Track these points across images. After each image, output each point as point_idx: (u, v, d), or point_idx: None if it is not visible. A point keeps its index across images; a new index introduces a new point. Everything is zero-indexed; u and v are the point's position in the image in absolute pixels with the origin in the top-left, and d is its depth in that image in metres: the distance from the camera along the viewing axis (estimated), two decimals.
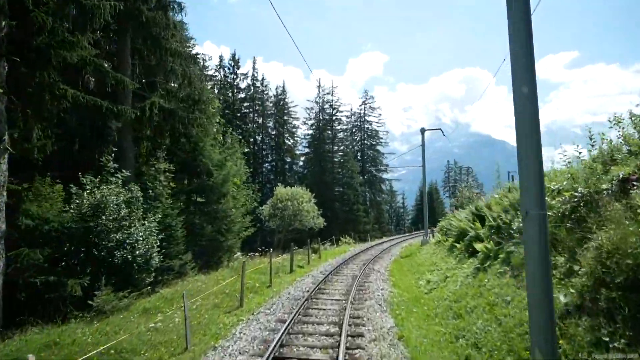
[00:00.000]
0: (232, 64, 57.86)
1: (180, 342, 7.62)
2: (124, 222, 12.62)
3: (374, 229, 59.62)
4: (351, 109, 67.93)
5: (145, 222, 13.41)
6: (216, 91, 57.31)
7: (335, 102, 61.66)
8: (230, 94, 57.67)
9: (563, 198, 6.94)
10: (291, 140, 61.91)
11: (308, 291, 12.11)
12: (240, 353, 7.08)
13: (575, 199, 6.63)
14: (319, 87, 61.82)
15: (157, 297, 11.65)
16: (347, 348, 7.11)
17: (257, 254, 21.39)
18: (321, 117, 61.38)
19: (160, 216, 14.39)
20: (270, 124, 61.10)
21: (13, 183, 10.60)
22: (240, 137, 57.43)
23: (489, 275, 9.30)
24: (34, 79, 10.79)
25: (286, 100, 62.72)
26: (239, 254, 17.46)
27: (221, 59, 58.33)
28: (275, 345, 7.00)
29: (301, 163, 62.16)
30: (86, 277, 10.89)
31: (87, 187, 12.29)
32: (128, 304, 11.33)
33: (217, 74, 57.15)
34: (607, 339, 4.32)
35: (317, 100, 61.45)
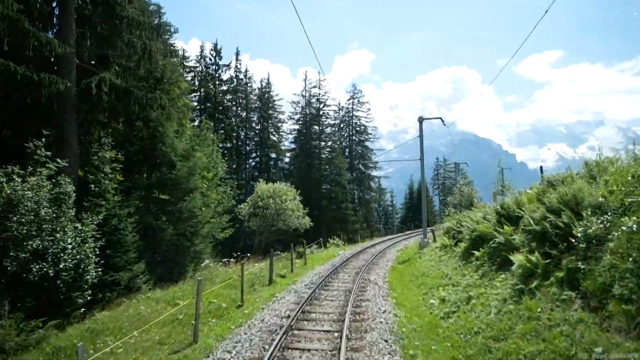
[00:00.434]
0: (214, 55, 54.53)
1: None
2: (45, 226, 9.56)
3: (363, 227, 57.13)
4: (339, 103, 65.31)
5: (80, 225, 10.37)
6: (197, 83, 54.12)
7: (323, 95, 58.80)
8: (211, 86, 54.36)
9: None
10: (276, 136, 58.86)
11: (288, 317, 9.23)
12: None
13: None
14: (305, 79, 58.95)
15: (79, 330, 8.59)
16: None
17: (233, 260, 18.41)
18: (308, 112, 58.50)
19: (102, 217, 11.36)
20: (255, 118, 57.94)
21: None
22: (222, 131, 54.65)
23: (543, 302, 6.58)
24: None
25: (271, 93, 59.65)
26: (207, 261, 14.50)
27: (202, 49, 54.91)
28: None
29: (287, 159, 59.31)
30: None
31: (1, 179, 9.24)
32: (43, 336, 8.30)
33: (198, 65, 53.92)
34: None
35: (304, 93, 58.53)
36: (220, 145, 55.25)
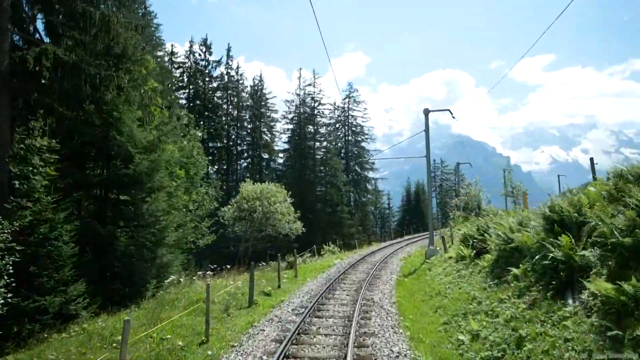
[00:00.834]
0: (204, 50, 51.82)
1: None
2: None
3: (359, 231, 54.62)
4: (334, 103, 62.74)
5: None
6: (185, 80, 51.37)
7: (318, 94, 56.26)
8: (201, 83, 51.64)
9: None
10: (269, 135, 56.19)
11: None
12: None
13: None
14: (299, 77, 56.36)
15: None
16: None
17: (210, 272, 15.67)
18: (302, 111, 55.93)
19: (27, 222, 8.64)
20: (247, 116, 55.21)
21: None
22: (212, 130, 51.83)
23: None
24: None
25: (264, 91, 57.09)
26: (173, 277, 11.73)
27: (191, 43, 52.27)
28: None
29: (280, 160, 56.69)
30: None
31: None
32: None
33: (187, 60, 51.18)
34: None
35: (298, 92, 55.93)
36: (210, 144, 52.97)
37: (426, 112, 20.46)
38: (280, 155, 56.07)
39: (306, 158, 52.61)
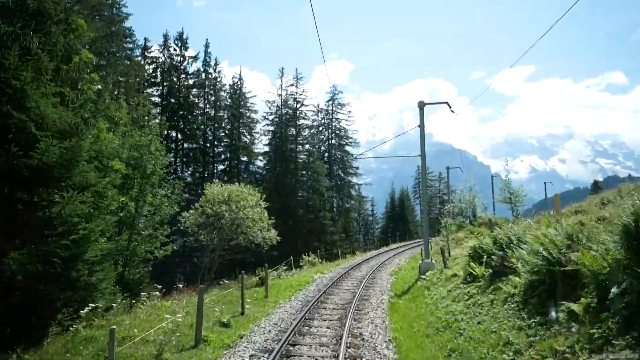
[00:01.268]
0: (179, 44, 48.49)
1: None
2: None
3: (342, 239, 51.90)
4: (318, 105, 60.00)
5: None
6: (159, 76, 47.91)
7: (300, 94, 53.46)
8: (175, 79, 48.22)
9: None
10: (249, 137, 52.84)
11: None
12: None
13: None
14: (281, 77, 53.38)
15: None
16: None
17: (157, 292, 12.55)
18: (284, 112, 53.09)
19: None
20: (225, 117, 51.86)
21: None
22: (187, 130, 48.35)
23: None
24: None
25: (243, 90, 53.82)
26: (87, 309, 8.59)
27: (166, 38, 48.69)
28: None
29: (260, 163, 53.41)
30: None
31: None
32: None
33: (160, 55, 47.72)
34: None
35: (280, 92, 52.98)
36: (185, 145, 49.46)
37: (421, 105, 17.85)
38: (260, 158, 52.84)
39: (287, 161, 49.74)
